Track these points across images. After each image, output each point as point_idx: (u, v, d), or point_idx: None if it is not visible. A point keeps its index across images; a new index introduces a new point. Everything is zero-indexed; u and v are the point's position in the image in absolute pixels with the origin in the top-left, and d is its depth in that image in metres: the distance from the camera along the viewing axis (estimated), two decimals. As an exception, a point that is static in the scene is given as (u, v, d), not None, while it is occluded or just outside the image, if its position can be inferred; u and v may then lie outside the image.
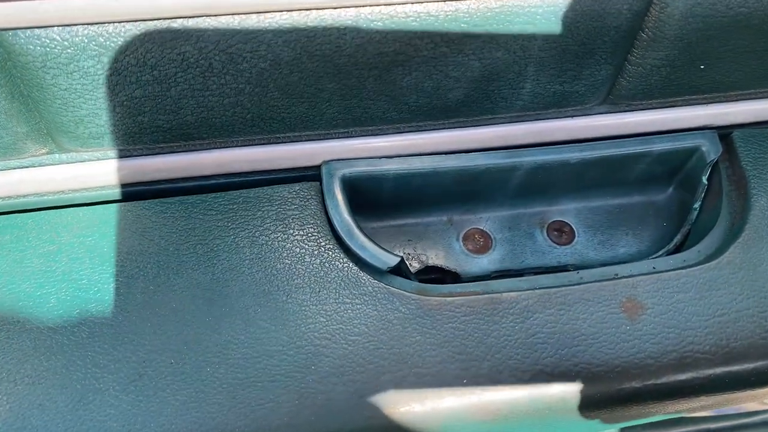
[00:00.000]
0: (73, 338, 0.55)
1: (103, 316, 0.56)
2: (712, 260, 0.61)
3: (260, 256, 0.59)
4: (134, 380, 0.54)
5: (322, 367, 0.55)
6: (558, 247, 0.70)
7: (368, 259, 0.60)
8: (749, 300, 0.60)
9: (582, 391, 0.56)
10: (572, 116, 0.64)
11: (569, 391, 0.56)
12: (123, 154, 0.59)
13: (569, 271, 0.69)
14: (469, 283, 0.60)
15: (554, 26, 0.54)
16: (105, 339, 0.55)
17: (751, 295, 0.60)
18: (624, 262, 0.69)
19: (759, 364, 0.59)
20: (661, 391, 0.58)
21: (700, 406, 0.64)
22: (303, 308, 0.57)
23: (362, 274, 0.59)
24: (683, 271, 0.61)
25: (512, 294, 0.59)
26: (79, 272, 0.58)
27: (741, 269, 0.61)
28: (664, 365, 0.58)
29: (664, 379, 0.58)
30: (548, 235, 0.71)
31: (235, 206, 0.61)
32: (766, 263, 0.61)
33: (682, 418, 0.91)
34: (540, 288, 0.59)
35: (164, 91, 0.53)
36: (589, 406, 0.57)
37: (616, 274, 0.61)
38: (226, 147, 0.60)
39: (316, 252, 0.59)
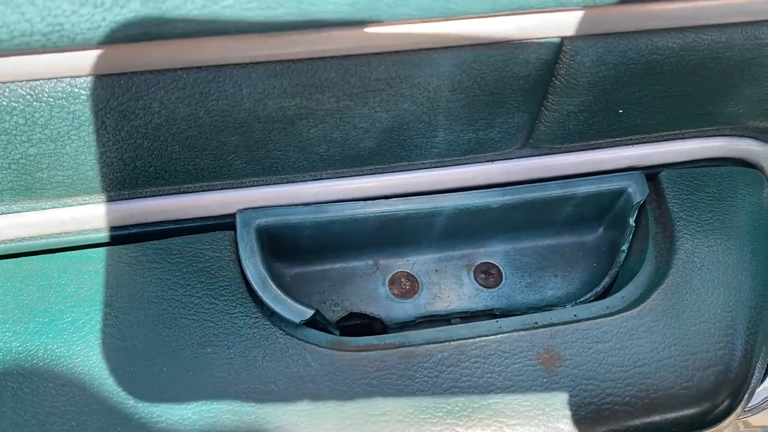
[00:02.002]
0: (-32, 403, 0.53)
1: (3, 372, 0.54)
2: (635, 307, 0.60)
3: (167, 311, 0.57)
4: (33, 445, 0.53)
5: (227, 428, 0.54)
6: (485, 290, 0.69)
7: (281, 312, 0.58)
8: (671, 348, 0.59)
9: (495, 449, 0.55)
10: (492, 161, 0.63)
11: (482, 448, 0.55)
12: (26, 208, 0.58)
13: (496, 314, 0.68)
14: (385, 335, 0.59)
15: (460, 77, 0.52)
16: (4, 400, 0.54)
17: (673, 343, 0.59)
18: (551, 305, 0.68)
19: (680, 414, 0.58)
20: (579, 445, 0.57)
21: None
22: (211, 366, 0.56)
23: (274, 329, 0.57)
24: (604, 319, 0.60)
25: (428, 347, 0.58)
26: (-21, 331, 0.56)
27: (664, 317, 0.60)
28: (582, 418, 0.57)
29: (581, 432, 0.57)
30: (475, 278, 0.69)
31: (144, 258, 0.59)
32: (689, 310, 0.60)
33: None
34: (457, 339, 0.58)
35: (59, 148, 0.52)
36: (502, 463, 0.56)
37: (536, 323, 0.60)
38: (134, 198, 0.59)
39: (227, 306, 0.58)
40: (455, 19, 0.48)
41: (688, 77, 0.57)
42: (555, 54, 0.53)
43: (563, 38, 0.52)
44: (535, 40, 0.51)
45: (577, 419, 0.56)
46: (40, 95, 0.47)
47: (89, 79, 0.47)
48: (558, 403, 0.57)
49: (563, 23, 0.50)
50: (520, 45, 0.51)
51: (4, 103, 0.47)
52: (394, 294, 0.68)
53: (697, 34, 0.54)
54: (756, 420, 0.78)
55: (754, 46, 0.55)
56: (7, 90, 0.47)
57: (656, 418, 0.58)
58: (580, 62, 0.53)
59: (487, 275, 0.70)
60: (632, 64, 0.54)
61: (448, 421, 0.55)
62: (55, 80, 0.47)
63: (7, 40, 0.41)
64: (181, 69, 0.48)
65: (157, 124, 0.51)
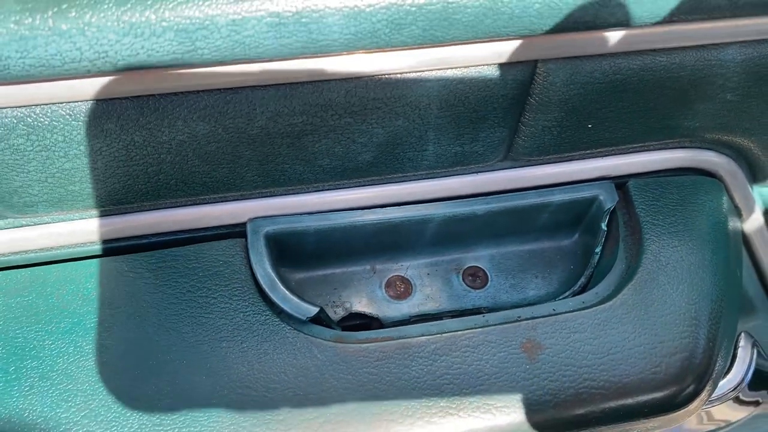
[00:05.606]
0: (7, 395, 0.59)
1: (40, 370, 0.60)
2: (607, 301, 0.67)
3: (186, 311, 0.63)
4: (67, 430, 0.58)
5: (242, 415, 0.59)
6: (473, 291, 0.75)
7: (289, 310, 0.64)
8: (641, 338, 0.66)
9: (485, 429, 0.61)
10: (477, 172, 0.70)
11: (473, 429, 0.61)
12: (56, 219, 0.64)
13: (482, 313, 0.74)
14: (383, 330, 0.65)
15: (447, 97, 0.59)
16: (34, 396, 0.59)
17: (642, 333, 0.66)
18: (532, 304, 0.74)
19: (650, 396, 0.65)
20: (560, 425, 0.63)
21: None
22: (226, 360, 0.61)
23: (283, 325, 0.63)
24: (580, 312, 0.66)
25: (422, 338, 0.64)
26: (15, 331, 0.62)
27: (634, 309, 0.67)
28: (562, 401, 0.63)
29: (562, 414, 0.63)
30: (464, 280, 0.76)
31: (163, 264, 0.65)
32: (656, 303, 0.67)
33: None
34: (448, 332, 0.64)
35: (91, 163, 0.58)
36: (491, 442, 0.62)
37: (519, 317, 0.66)
38: (155, 209, 0.65)
39: (240, 305, 0.64)
40: (441, 46, 0.55)
41: (647, 94, 0.64)
42: (530, 75, 0.60)
43: (536, 61, 0.59)
44: (511, 63, 0.58)
45: (558, 401, 0.63)
46: (78, 115, 0.54)
47: (123, 100, 0.54)
48: (540, 387, 0.63)
49: (536, 48, 0.57)
50: (499, 68, 0.59)
51: (47, 122, 0.54)
52: (390, 296, 0.75)
53: (653, 57, 0.61)
54: (719, 413, 0.85)
55: (704, 67, 0.63)
56: (50, 111, 0.53)
57: (629, 400, 0.64)
58: (552, 82, 0.61)
59: (475, 277, 0.76)
60: (598, 84, 0.62)
61: (441, 404, 0.61)
62: (92, 101, 0.54)
63: (59, 66, 0.47)
64: (202, 91, 0.55)
65: (180, 141, 0.58)
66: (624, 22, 0.56)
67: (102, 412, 0.59)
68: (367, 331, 0.65)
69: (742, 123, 0.71)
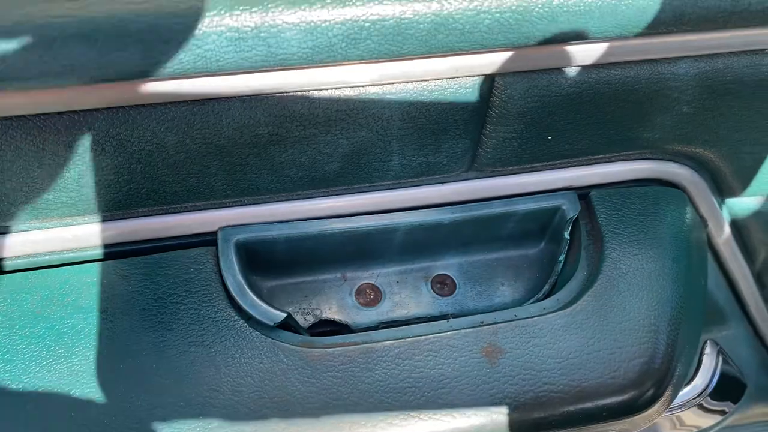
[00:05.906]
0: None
1: (13, 374, 0.61)
2: (568, 307, 0.69)
3: (157, 317, 0.65)
4: (37, 433, 0.60)
5: (209, 417, 0.61)
6: (441, 298, 0.77)
7: (257, 316, 0.66)
8: (600, 343, 0.67)
9: None
10: (442, 182, 0.72)
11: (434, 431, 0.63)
12: (31, 228, 0.66)
13: (448, 320, 0.76)
14: (349, 335, 0.67)
15: (408, 109, 0.62)
16: (8, 399, 0.61)
17: (601, 338, 0.68)
18: (498, 310, 0.76)
19: (609, 400, 0.66)
20: (519, 428, 0.64)
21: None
22: (195, 364, 0.63)
23: (251, 331, 0.65)
24: (541, 317, 0.68)
25: (386, 343, 0.66)
26: (-11, 336, 0.64)
27: (593, 315, 0.69)
28: (521, 404, 0.64)
29: (522, 417, 0.64)
30: (432, 288, 0.78)
31: (135, 271, 0.67)
32: (616, 310, 0.69)
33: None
34: (412, 336, 0.66)
35: (64, 172, 0.60)
36: (451, 445, 0.63)
37: (482, 322, 0.68)
38: (127, 218, 0.67)
39: (209, 311, 0.66)
40: (399, 60, 0.57)
41: (605, 107, 0.67)
42: (488, 88, 0.62)
43: (494, 75, 0.61)
44: (469, 77, 0.61)
45: (517, 405, 0.64)
46: (50, 126, 0.56)
47: (93, 111, 0.56)
48: (500, 391, 0.64)
49: (492, 62, 0.59)
50: (458, 81, 0.61)
51: (19, 133, 0.56)
52: (359, 303, 0.76)
53: (609, 70, 0.63)
54: (689, 419, 0.87)
55: (659, 80, 0.65)
56: (22, 122, 0.55)
57: (588, 404, 0.66)
58: (510, 95, 0.63)
59: (443, 285, 0.78)
60: (555, 96, 0.64)
61: (403, 407, 0.63)
62: (63, 113, 0.56)
63: (31, 79, 0.50)
64: (170, 103, 0.57)
65: (149, 151, 0.60)
66: (574, 38, 0.58)
67: (71, 415, 0.60)
68: (333, 336, 0.67)
69: (700, 135, 0.73)
